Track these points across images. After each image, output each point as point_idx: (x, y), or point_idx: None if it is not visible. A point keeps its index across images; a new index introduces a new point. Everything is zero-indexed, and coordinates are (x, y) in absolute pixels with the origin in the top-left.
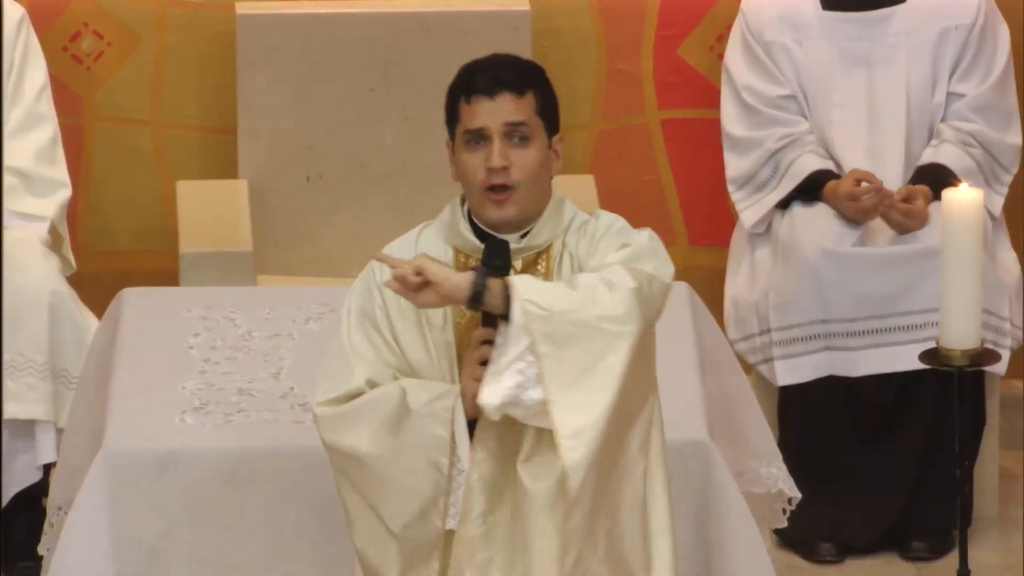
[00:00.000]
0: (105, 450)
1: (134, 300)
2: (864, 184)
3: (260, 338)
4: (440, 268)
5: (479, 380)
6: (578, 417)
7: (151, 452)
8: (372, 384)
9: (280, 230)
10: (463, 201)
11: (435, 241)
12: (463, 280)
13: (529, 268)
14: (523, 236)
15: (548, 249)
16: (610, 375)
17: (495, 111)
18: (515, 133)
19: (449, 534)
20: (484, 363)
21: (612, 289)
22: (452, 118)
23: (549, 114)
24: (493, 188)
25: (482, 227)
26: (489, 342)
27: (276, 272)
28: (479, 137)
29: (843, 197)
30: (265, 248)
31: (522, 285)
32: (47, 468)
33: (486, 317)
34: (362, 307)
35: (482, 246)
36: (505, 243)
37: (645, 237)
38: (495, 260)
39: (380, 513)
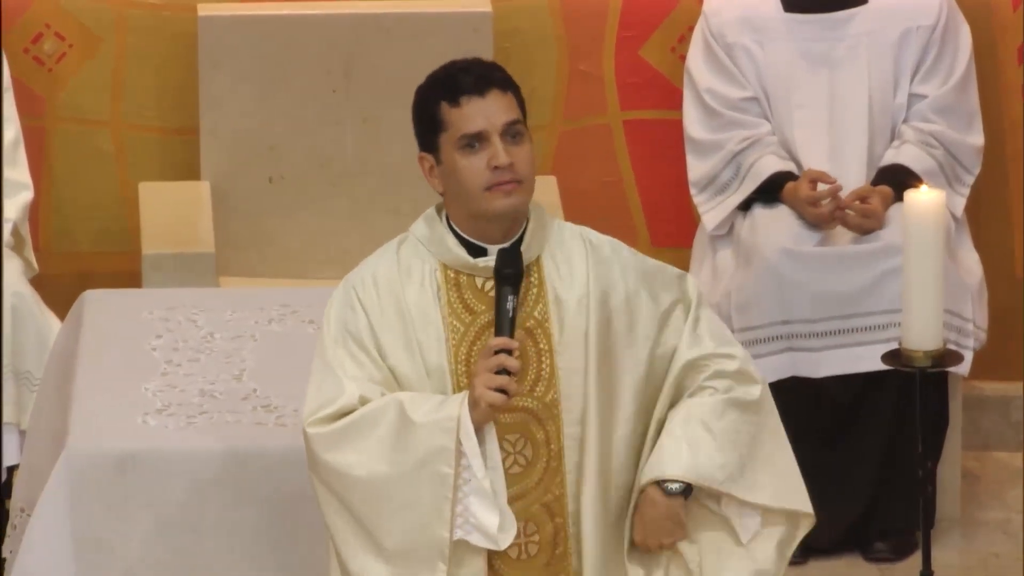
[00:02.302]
0: (67, 451)
1: (96, 302)
2: (821, 187)
3: (222, 339)
4: None
5: (495, 388)
6: None
7: (113, 454)
8: (364, 400)
9: (242, 231)
10: (439, 214)
11: (417, 257)
12: None
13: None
14: (513, 244)
15: (538, 260)
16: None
17: (488, 110)
18: (511, 131)
19: (459, 544)
20: (500, 372)
21: (745, 409)
22: (433, 127)
23: (524, 112)
24: (499, 184)
25: (469, 239)
26: (506, 351)
27: (238, 273)
28: (477, 140)
29: (803, 201)
30: (227, 249)
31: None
32: (10, 470)
33: (500, 325)
34: (344, 325)
35: (472, 260)
36: (516, 251)
37: (690, 284)
38: (507, 269)
39: (374, 532)
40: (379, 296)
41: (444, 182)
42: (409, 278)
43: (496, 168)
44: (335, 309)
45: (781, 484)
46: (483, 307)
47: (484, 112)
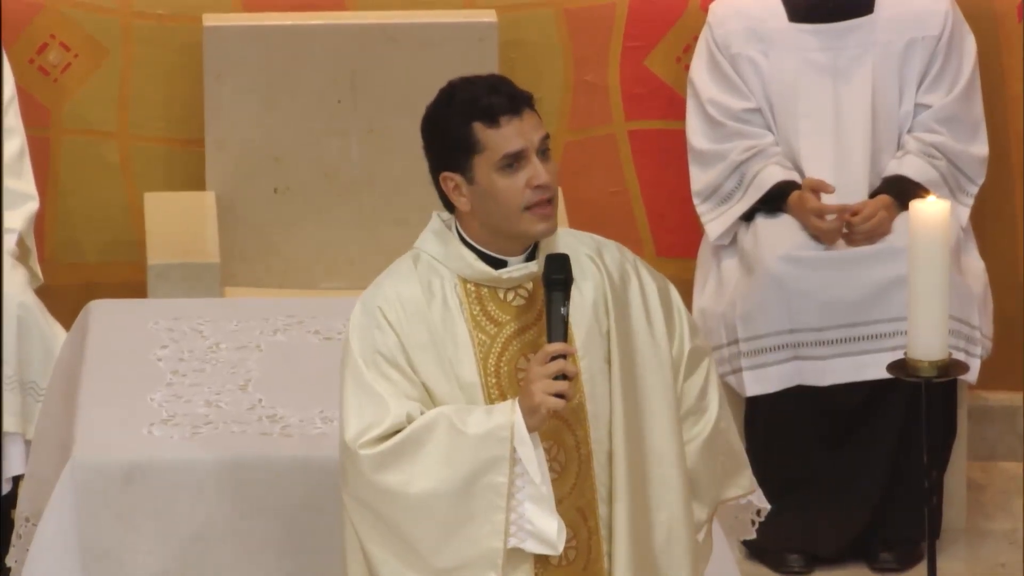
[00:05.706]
0: (73, 462)
1: (101, 312)
2: (826, 198)
3: (227, 350)
4: None
5: (553, 394)
6: None
7: (119, 464)
8: (410, 418)
9: (247, 242)
10: (449, 228)
11: (435, 275)
12: None
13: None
14: (528, 259)
15: None
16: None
17: (526, 129)
18: (543, 147)
19: (513, 552)
20: (559, 377)
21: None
22: (465, 148)
23: None
24: (538, 203)
25: (486, 252)
26: (562, 356)
27: (243, 283)
28: (516, 159)
29: (809, 212)
30: (232, 260)
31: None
32: (15, 480)
33: (553, 331)
34: (374, 347)
35: (495, 273)
36: (564, 256)
37: (673, 291)
38: (557, 274)
39: (424, 551)
40: (407, 316)
41: (474, 201)
42: (432, 296)
43: (537, 187)
44: (359, 332)
45: (729, 480)
46: (507, 318)
47: (521, 131)
